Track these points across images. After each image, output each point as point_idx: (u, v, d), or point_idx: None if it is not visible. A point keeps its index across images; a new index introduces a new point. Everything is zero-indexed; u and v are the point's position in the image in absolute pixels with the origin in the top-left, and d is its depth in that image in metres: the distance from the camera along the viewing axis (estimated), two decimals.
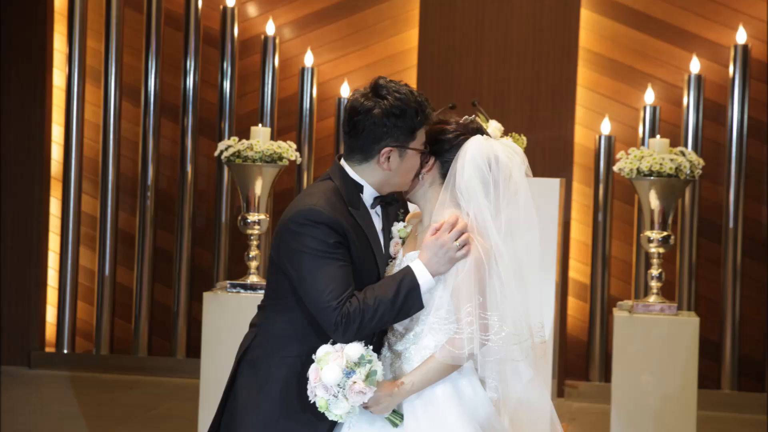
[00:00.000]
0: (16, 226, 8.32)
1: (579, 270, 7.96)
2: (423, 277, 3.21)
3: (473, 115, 3.52)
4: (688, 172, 5.87)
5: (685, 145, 7.67)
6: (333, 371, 3.09)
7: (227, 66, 8.17)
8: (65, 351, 8.29)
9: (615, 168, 6.02)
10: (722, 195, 7.77)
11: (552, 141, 7.81)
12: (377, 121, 3.24)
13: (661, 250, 5.98)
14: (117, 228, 8.29)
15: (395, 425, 3.22)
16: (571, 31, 7.84)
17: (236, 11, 8.16)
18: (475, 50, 7.93)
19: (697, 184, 7.69)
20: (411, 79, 7.90)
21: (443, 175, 3.33)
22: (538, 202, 3.41)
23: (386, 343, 3.34)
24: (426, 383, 3.22)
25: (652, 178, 5.88)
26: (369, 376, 3.11)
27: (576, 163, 7.93)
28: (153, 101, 8.22)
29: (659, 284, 6.00)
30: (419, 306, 3.22)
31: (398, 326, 3.31)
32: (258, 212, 6.07)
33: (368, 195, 3.33)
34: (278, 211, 7.41)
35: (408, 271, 3.22)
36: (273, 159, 5.99)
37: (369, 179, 3.31)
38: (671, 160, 5.85)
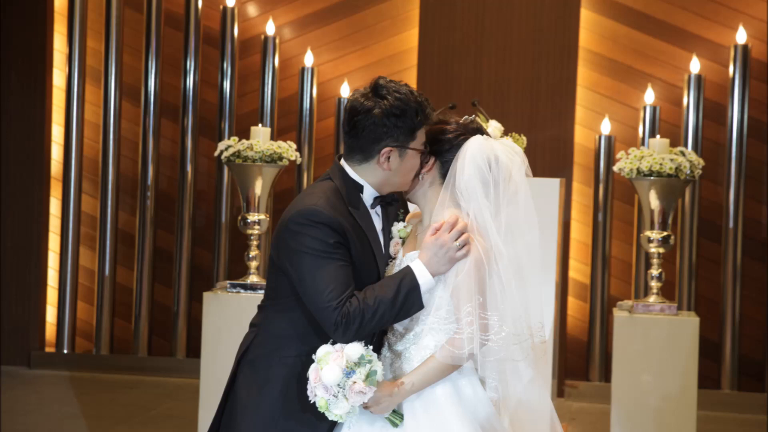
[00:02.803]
0: (16, 226, 8.32)
1: (579, 270, 7.96)
2: (423, 277, 3.21)
3: (473, 115, 3.52)
4: (688, 172, 5.86)
5: (685, 145, 7.67)
6: (333, 371, 3.09)
7: (227, 66, 8.17)
8: (65, 351, 8.29)
9: (615, 168, 6.02)
10: (722, 195, 7.76)
11: (552, 141, 7.81)
12: (377, 121, 3.24)
13: (661, 250, 5.98)
14: (117, 228, 8.29)
15: (395, 425, 3.22)
16: (571, 31, 7.84)
17: (236, 11, 8.16)
18: (475, 50, 7.93)
19: (697, 184, 7.69)
20: (411, 79, 7.90)
21: (443, 175, 3.33)
22: (538, 202, 3.40)
23: (386, 343, 3.34)
24: (426, 383, 3.22)
25: (652, 178, 5.88)
26: (369, 376, 3.11)
27: (576, 163, 7.93)
28: (153, 101, 8.22)
29: (659, 284, 6.00)
30: (419, 306, 3.22)
31: (398, 326, 3.31)
32: (258, 212, 6.06)
33: (368, 195, 3.33)
34: (278, 211, 7.41)
35: (408, 271, 3.22)
36: (273, 159, 5.98)
37: (369, 179, 3.31)
38: (671, 160, 5.84)
